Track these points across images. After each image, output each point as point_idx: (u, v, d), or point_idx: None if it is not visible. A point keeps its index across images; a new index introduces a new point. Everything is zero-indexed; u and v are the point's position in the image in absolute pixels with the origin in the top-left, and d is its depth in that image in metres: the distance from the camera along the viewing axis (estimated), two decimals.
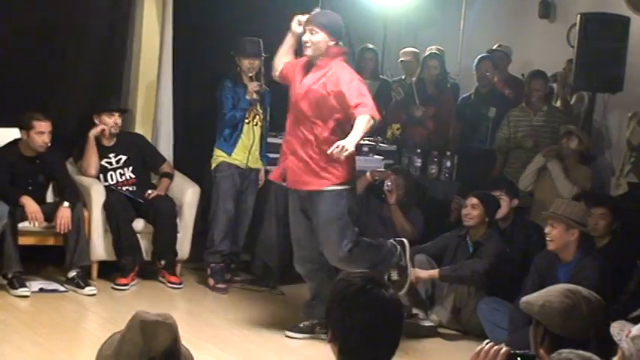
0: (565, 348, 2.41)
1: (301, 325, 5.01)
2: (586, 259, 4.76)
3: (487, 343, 2.31)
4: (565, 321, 2.73)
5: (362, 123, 4.49)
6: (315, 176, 4.68)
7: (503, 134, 6.64)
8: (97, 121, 6.02)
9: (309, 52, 4.70)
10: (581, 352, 2.22)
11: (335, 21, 4.73)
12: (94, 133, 5.98)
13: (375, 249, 4.86)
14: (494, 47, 7.30)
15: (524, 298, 2.91)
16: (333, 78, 4.63)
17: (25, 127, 5.61)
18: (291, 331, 5.02)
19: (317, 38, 4.65)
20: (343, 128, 4.63)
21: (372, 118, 4.55)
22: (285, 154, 4.82)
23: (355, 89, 4.60)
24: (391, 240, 5.02)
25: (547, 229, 4.79)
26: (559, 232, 4.73)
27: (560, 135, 6.25)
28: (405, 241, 5.03)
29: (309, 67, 4.75)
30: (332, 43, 4.67)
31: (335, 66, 4.67)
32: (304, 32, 4.70)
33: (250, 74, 5.92)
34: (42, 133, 5.61)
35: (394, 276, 4.88)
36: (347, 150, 4.40)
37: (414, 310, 5.34)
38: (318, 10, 4.79)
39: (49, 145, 5.69)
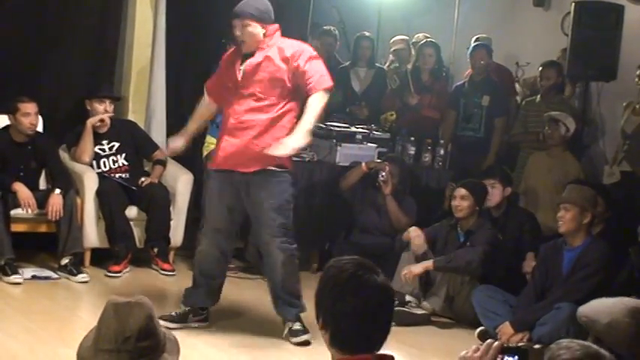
0: None
1: (173, 314, 4.82)
2: (593, 245, 4.84)
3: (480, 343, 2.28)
4: (634, 343, 2.60)
5: (316, 104, 4.44)
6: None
7: (517, 130, 6.68)
8: (88, 107, 6.01)
9: (245, 46, 4.57)
10: (579, 341, 2.20)
11: (263, 7, 4.59)
12: (92, 121, 5.96)
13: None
14: (472, 40, 7.24)
15: (585, 313, 2.74)
16: (280, 51, 4.53)
17: (12, 111, 5.60)
18: (163, 319, 4.64)
19: (251, 30, 4.53)
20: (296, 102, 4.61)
21: (326, 91, 4.49)
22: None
23: (311, 65, 4.50)
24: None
25: (560, 214, 4.85)
26: (572, 215, 4.80)
27: (545, 123, 6.26)
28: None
29: (245, 54, 4.61)
30: (265, 30, 4.56)
31: (277, 41, 4.58)
32: (235, 28, 4.55)
33: None
34: (28, 114, 5.59)
35: (296, 326, 4.75)
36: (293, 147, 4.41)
37: (407, 298, 5.35)
38: (242, 1, 4.58)
39: (37, 127, 5.69)
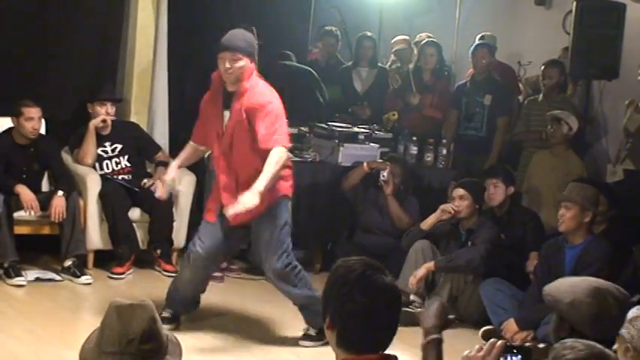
0: None
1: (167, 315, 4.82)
2: (595, 243, 4.83)
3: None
4: (595, 322, 2.66)
5: (273, 162, 4.40)
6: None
7: (519, 129, 6.69)
8: (90, 110, 6.02)
9: (232, 79, 4.50)
10: (584, 340, 2.20)
11: (251, 41, 4.57)
12: (94, 123, 5.96)
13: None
14: (477, 38, 7.24)
15: (550, 292, 2.82)
16: (252, 100, 4.49)
17: (15, 114, 5.60)
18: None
19: (240, 64, 4.46)
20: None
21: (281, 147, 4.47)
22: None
23: (268, 121, 4.45)
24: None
25: (561, 212, 4.85)
26: (573, 214, 4.80)
27: (548, 122, 6.25)
28: None
29: (225, 95, 4.58)
30: (252, 64, 4.53)
31: (250, 86, 4.51)
32: (223, 61, 4.47)
33: None
34: (31, 119, 5.59)
35: (311, 331, 4.77)
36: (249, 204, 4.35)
37: (412, 297, 5.34)
38: (230, 34, 4.54)
39: (40, 131, 5.70)
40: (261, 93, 4.52)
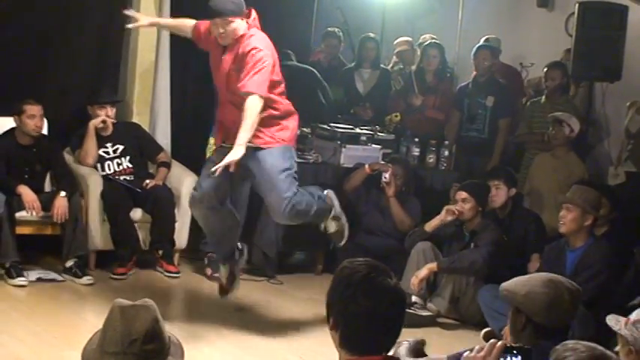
0: (546, 336, 2.44)
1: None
2: (595, 246, 4.83)
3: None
4: (549, 311, 2.77)
5: (251, 112, 4.42)
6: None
7: (521, 130, 6.69)
8: (90, 113, 6.03)
9: (228, 41, 4.58)
10: (586, 342, 2.22)
11: (238, 0, 4.60)
12: (94, 123, 5.97)
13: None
14: (482, 40, 7.24)
15: (506, 286, 2.96)
16: (242, 48, 4.53)
17: (17, 113, 5.62)
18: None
19: (233, 26, 4.54)
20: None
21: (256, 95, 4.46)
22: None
23: (249, 67, 4.48)
24: (319, 192, 4.92)
25: (562, 213, 4.86)
26: (574, 216, 4.80)
27: (550, 124, 6.26)
28: (330, 191, 5.00)
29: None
30: (243, 20, 4.58)
31: (244, 33, 4.57)
32: (216, 27, 4.55)
33: None
34: (33, 116, 5.61)
35: (331, 228, 4.84)
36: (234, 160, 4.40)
37: (414, 299, 5.35)
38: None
39: (42, 130, 5.71)
40: (252, 41, 4.57)
